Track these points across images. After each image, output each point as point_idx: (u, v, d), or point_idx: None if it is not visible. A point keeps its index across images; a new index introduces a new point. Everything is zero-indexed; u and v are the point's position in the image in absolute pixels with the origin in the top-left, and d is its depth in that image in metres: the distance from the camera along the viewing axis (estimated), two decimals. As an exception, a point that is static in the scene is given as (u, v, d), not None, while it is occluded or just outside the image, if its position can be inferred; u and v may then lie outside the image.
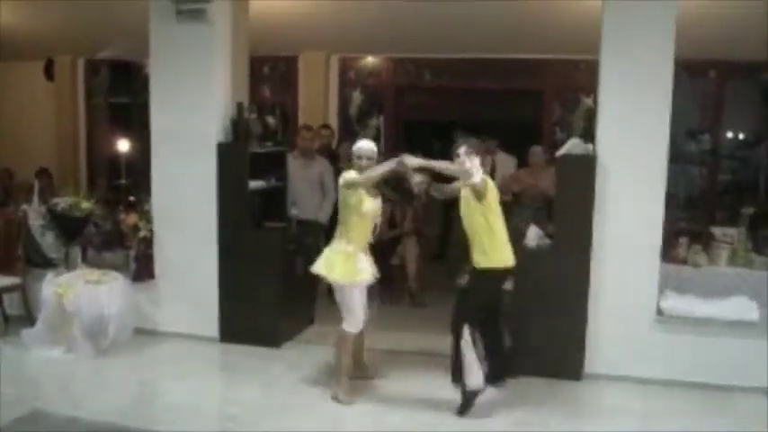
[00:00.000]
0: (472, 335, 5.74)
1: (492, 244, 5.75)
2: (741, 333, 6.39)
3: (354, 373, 6.21)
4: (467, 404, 5.70)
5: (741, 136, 10.89)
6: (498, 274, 5.88)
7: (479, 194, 5.66)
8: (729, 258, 7.01)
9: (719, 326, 6.44)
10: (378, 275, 6.19)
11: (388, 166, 5.83)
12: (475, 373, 5.69)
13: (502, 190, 8.84)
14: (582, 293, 6.52)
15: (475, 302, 5.91)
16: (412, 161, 5.73)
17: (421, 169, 5.87)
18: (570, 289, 6.52)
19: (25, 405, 5.77)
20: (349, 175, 5.89)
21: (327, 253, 5.98)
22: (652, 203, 6.43)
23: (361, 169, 5.91)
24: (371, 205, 5.94)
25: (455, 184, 6.03)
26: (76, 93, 12.46)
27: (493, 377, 6.00)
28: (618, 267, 6.49)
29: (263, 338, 7.25)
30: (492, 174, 9.12)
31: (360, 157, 5.97)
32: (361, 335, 6.19)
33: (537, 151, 8.65)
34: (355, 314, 5.95)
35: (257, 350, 7.17)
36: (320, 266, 5.95)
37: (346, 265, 5.85)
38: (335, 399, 5.92)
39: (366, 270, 5.99)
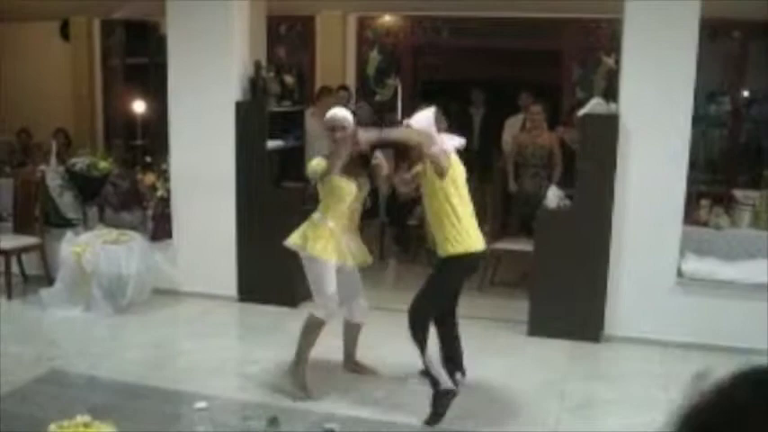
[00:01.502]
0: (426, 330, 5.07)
1: (458, 228, 5.02)
2: (762, 296, 6.30)
3: (347, 366, 5.77)
4: (439, 409, 5.00)
5: (765, 97, 10.73)
6: (468, 260, 5.15)
7: (439, 169, 4.94)
8: (751, 221, 6.93)
9: (741, 289, 6.39)
10: (369, 261, 5.55)
11: (344, 148, 5.17)
12: (442, 375, 5.03)
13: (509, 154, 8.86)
14: (602, 255, 6.47)
15: (443, 291, 5.28)
16: (367, 137, 5.10)
17: (382, 145, 5.32)
18: (590, 250, 6.48)
19: (44, 364, 5.81)
20: (315, 163, 5.26)
21: (305, 227, 5.35)
22: (675, 164, 6.35)
23: (334, 143, 5.25)
24: (348, 188, 5.25)
25: (418, 167, 5.13)
26: (92, 53, 12.39)
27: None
28: (639, 229, 6.43)
29: (280, 298, 7.25)
30: (522, 129, 9.07)
31: (333, 129, 5.27)
32: (356, 326, 5.66)
33: (535, 110, 8.59)
34: (325, 295, 5.25)
35: (275, 309, 7.18)
36: (294, 238, 5.34)
37: (323, 240, 5.20)
38: (292, 396, 5.29)
39: (347, 253, 5.30)
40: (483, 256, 5.43)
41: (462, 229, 5.03)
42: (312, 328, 5.33)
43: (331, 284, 5.21)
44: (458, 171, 5.09)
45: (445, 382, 4.99)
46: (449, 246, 5.02)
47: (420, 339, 4.99)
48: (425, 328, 5.03)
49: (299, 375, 5.35)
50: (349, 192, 5.24)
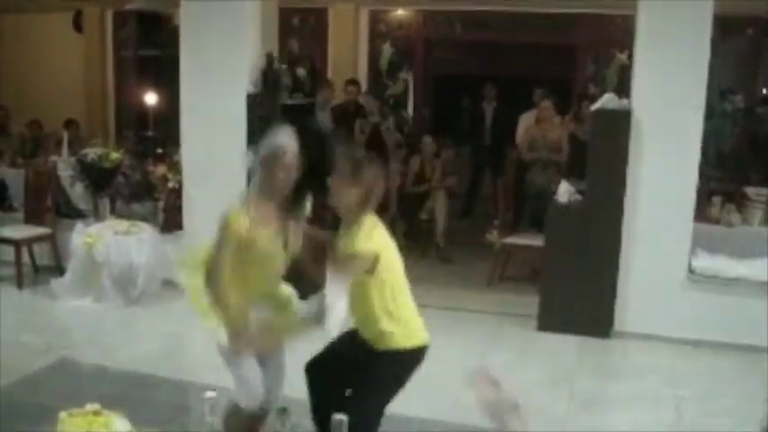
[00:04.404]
0: None
1: (398, 320, 3.84)
2: (773, 293, 6.31)
3: None
4: None
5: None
6: (414, 356, 3.94)
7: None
8: (763, 218, 6.92)
9: (751, 286, 6.37)
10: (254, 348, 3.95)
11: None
12: None
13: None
14: (613, 250, 6.45)
15: (386, 396, 3.90)
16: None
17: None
18: (601, 246, 6.46)
19: (55, 354, 5.83)
20: (232, 217, 3.64)
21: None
22: (687, 161, 6.33)
23: (274, 181, 3.65)
24: (274, 252, 3.84)
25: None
26: (105, 45, 12.42)
27: None
28: (650, 225, 6.41)
29: (291, 290, 7.24)
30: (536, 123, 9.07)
31: (269, 163, 3.64)
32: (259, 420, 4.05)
33: (546, 105, 8.58)
34: (247, 385, 3.90)
35: (285, 303, 7.17)
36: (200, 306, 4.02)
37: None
38: None
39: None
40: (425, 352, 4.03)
41: (404, 316, 3.92)
42: (232, 419, 3.95)
43: (243, 366, 3.92)
44: (389, 249, 3.87)
45: None
46: (387, 339, 3.84)
47: None
48: None
49: None
50: (273, 255, 3.87)
